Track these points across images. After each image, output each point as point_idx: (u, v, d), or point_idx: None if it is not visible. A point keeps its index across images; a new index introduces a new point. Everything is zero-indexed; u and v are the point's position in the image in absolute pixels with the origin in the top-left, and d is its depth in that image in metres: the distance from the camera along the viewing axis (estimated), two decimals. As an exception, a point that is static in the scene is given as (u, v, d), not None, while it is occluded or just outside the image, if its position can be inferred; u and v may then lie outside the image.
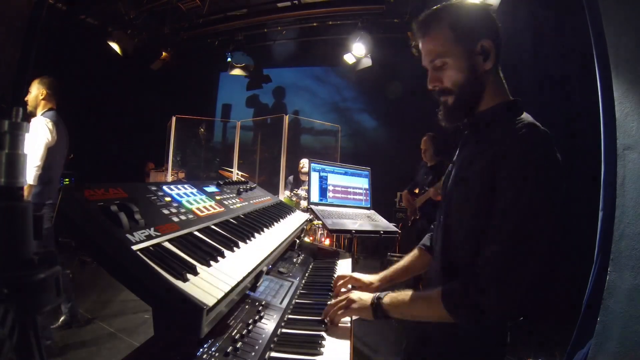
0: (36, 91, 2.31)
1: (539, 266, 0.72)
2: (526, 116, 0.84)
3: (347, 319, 0.94)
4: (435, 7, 0.86)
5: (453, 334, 0.86)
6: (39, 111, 2.33)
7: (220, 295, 0.54)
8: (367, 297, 0.92)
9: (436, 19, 0.85)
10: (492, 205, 0.75)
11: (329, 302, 0.97)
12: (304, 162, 4.38)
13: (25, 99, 2.26)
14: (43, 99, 2.33)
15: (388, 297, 0.88)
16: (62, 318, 2.51)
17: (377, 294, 0.91)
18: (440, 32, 0.84)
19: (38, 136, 2.19)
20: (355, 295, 0.93)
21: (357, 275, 1.15)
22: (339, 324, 0.90)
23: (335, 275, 1.35)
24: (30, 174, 2.14)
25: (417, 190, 3.69)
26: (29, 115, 2.23)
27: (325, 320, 0.90)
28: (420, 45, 0.88)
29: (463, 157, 0.92)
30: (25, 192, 2.10)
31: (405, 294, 0.86)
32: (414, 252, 1.18)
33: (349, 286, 1.13)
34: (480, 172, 0.79)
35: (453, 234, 0.87)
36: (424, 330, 0.97)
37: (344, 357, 0.77)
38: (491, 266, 0.72)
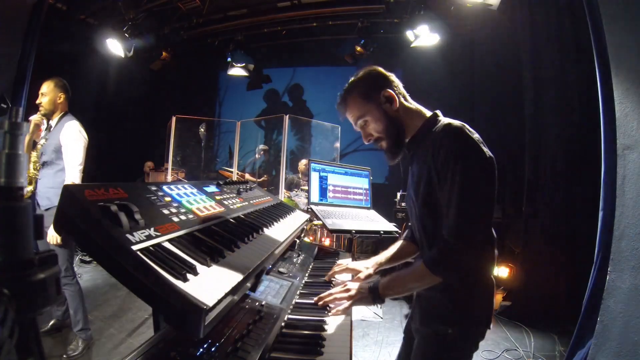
0: (53, 95, 2.26)
1: (487, 222, 0.94)
2: (443, 119, 1.04)
3: (344, 318, 0.98)
4: (344, 88, 1.14)
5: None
6: (57, 115, 2.29)
7: (220, 295, 0.54)
8: (364, 286, 1.07)
9: (348, 94, 1.12)
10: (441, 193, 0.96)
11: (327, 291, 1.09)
12: (304, 163, 4.39)
13: (39, 101, 2.24)
14: (60, 103, 2.30)
15: (381, 282, 1.03)
16: (52, 322, 2.45)
17: (371, 282, 1.06)
18: (353, 101, 1.11)
19: (78, 139, 2.25)
20: (353, 285, 1.07)
21: (352, 265, 1.31)
22: (339, 314, 1.00)
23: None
24: (75, 174, 2.22)
25: None
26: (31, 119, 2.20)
27: (319, 304, 1.03)
28: (347, 117, 1.15)
29: (412, 172, 1.14)
30: None
31: (395, 275, 1.03)
32: (400, 243, 1.34)
33: (343, 277, 1.31)
34: (427, 177, 1.01)
35: (425, 222, 1.07)
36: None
37: (344, 358, 0.77)
38: (452, 230, 0.92)
